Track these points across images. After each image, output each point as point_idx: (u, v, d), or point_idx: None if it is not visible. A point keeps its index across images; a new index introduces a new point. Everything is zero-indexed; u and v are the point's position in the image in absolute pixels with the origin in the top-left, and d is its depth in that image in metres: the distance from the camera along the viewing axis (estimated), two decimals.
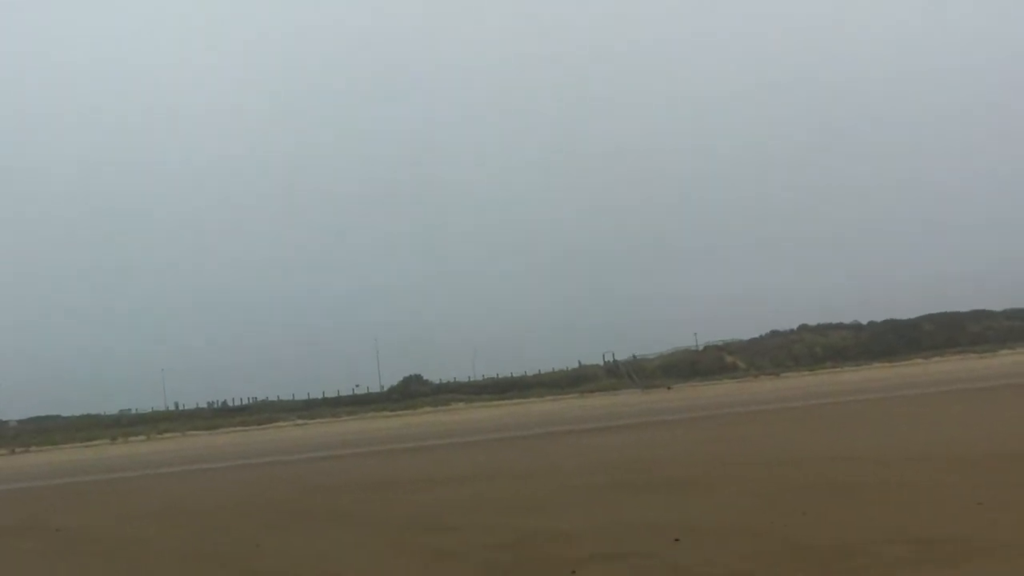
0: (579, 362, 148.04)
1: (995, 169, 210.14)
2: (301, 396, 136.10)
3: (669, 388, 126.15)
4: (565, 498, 21.20)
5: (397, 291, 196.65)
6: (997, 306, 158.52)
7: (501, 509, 20.53)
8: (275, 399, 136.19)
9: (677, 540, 13.96)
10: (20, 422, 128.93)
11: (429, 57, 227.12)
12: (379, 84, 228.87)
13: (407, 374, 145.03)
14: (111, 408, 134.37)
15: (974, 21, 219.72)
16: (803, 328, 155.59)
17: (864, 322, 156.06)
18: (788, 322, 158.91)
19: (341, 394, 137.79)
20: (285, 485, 34.90)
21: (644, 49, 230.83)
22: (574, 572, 12.79)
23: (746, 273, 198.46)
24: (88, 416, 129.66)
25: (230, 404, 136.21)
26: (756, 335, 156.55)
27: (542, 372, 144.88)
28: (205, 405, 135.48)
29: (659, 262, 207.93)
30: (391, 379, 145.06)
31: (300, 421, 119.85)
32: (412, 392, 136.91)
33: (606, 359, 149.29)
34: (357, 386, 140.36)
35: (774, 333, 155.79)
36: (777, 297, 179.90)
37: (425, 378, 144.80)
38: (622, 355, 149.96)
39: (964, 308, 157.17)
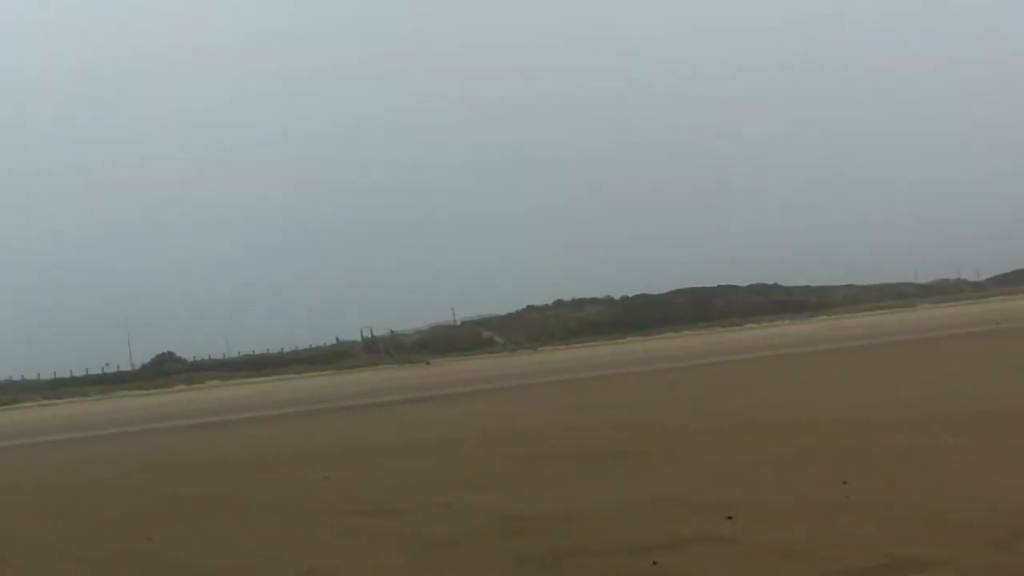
0: (336, 338, 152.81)
1: (741, 144, 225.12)
2: (46, 376, 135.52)
3: (428, 364, 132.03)
4: (506, 471, 19.33)
5: (146, 269, 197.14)
6: (742, 281, 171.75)
7: (444, 485, 18.00)
8: (18, 379, 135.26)
9: (730, 518, 12.10)
10: None
11: None
12: None
13: (159, 352, 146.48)
14: None
15: None
16: (559, 303, 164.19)
17: (617, 297, 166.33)
18: (545, 297, 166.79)
19: (90, 372, 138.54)
20: (131, 463, 30.96)
21: None
22: (656, 563, 10.58)
23: (503, 248, 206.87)
24: None
25: None
26: (513, 310, 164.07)
27: (299, 348, 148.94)
28: None
29: (415, 237, 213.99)
30: (142, 357, 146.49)
31: (46, 401, 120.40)
32: (165, 370, 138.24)
33: (364, 335, 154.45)
34: (107, 364, 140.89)
35: (530, 308, 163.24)
36: (534, 272, 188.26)
37: (178, 355, 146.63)
38: (380, 331, 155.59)
39: (713, 283, 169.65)
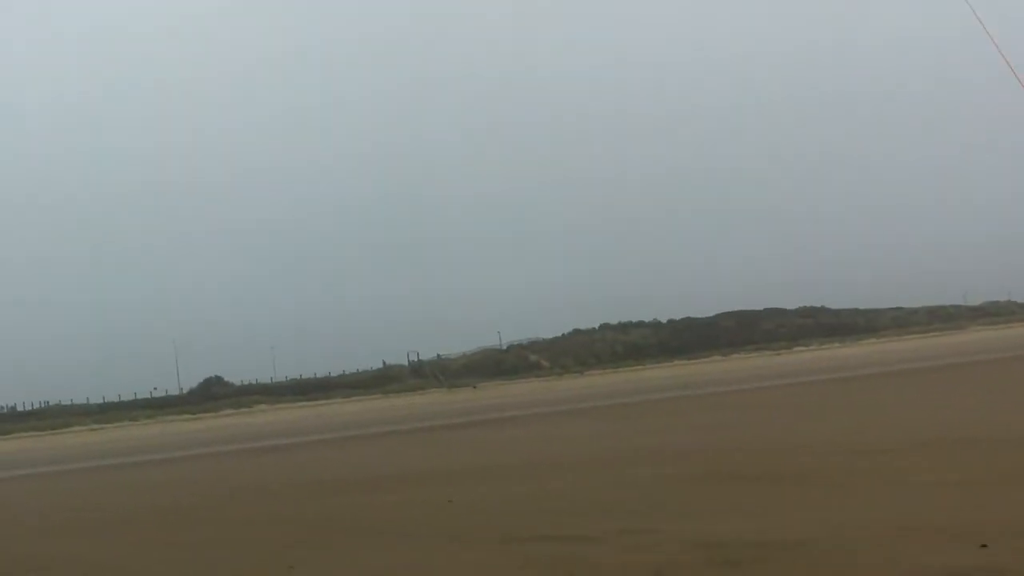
0: (383, 362, 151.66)
1: (790, 169, 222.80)
2: (96, 400, 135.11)
3: (475, 387, 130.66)
4: (679, 494, 17.21)
5: (195, 293, 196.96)
6: (790, 304, 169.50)
7: (619, 509, 15.97)
8: (68, 403, 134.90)
9: (984, 546, 10.59)
10: None
11: None
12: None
13: (206, 376, 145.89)
14: None
15: None
16: (605, 327, 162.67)
17: (663, 320, 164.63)
18: (590, 320, 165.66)
19: (138, 397, 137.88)
20: (227, 485, 29.54)
21: None
22: None
23: (548, 272, 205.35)
24: None
25: (19, 409, 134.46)
26: (559, 334, 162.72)
27: (346, 372, 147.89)
28: None
29: (461, 261, 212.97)
30: (190, 381, 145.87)
31: (96, 426, 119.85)
32: (213, 394, 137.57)
33: (410, 359, 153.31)
34: (155, 389, 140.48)
35: (577, 332, 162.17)
36: (579, 296, 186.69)
37: (226, 379, 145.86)
38: (426, 355, 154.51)
39: (759, 306, 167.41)
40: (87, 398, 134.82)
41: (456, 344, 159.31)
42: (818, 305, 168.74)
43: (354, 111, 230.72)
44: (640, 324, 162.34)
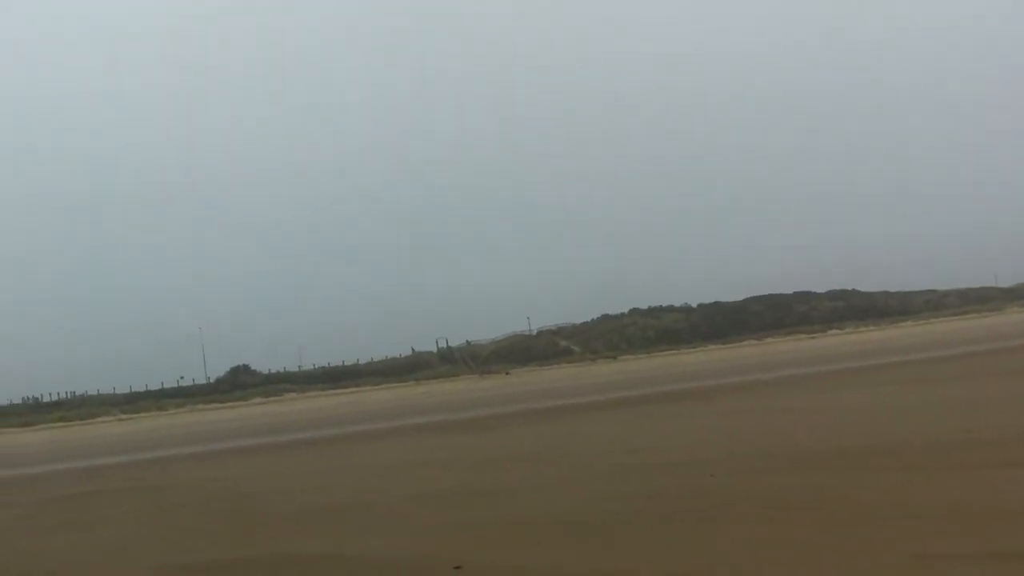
0: (412, 349, 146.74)
1: (819, 151, 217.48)
2: (123, 389, 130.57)
3: (507, 374, 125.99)
4: None
5: (219, 281, 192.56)
6: (820, 287, 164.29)
7: None
8: (94, 393, 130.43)
9: None
10: None
11: None
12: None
13: (233, 364, 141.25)
14: None
15: None
16: (634, 311, 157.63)
17: (693, 304, 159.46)
18: (619, 306, 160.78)
19: (165, 386, 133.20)
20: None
21: None
22: None
23: (576, 258, 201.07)
24: None
25: (43, 400, 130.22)
26: (588, 319, 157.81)
27: (374, 359, 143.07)
28: (19, 401, 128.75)
29: (486, 247, 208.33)
30: (216, 370, 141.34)
31: (123, 415, 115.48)
32: (241, 383, 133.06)
33: (439, 345, 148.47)
34: (182, 378, 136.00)
35: (606, 317, 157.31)
36: (606, 281, 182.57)
37: (253, 368, 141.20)
38: (455, 342, 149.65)
39: (788, 290, 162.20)
40: (114, 388, 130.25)
41: (485, 331, 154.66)
42: (849, 288, 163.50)
43: (379, 103, 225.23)
44: (670, 308, 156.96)
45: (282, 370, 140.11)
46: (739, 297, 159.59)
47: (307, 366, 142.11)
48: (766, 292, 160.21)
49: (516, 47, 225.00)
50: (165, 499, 21.39)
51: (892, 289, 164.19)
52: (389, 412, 59.18)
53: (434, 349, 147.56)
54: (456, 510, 15.19)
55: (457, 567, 10.84)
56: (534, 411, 41.21)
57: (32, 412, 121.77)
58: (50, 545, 16.28)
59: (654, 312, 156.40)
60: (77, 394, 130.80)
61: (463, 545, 12.08)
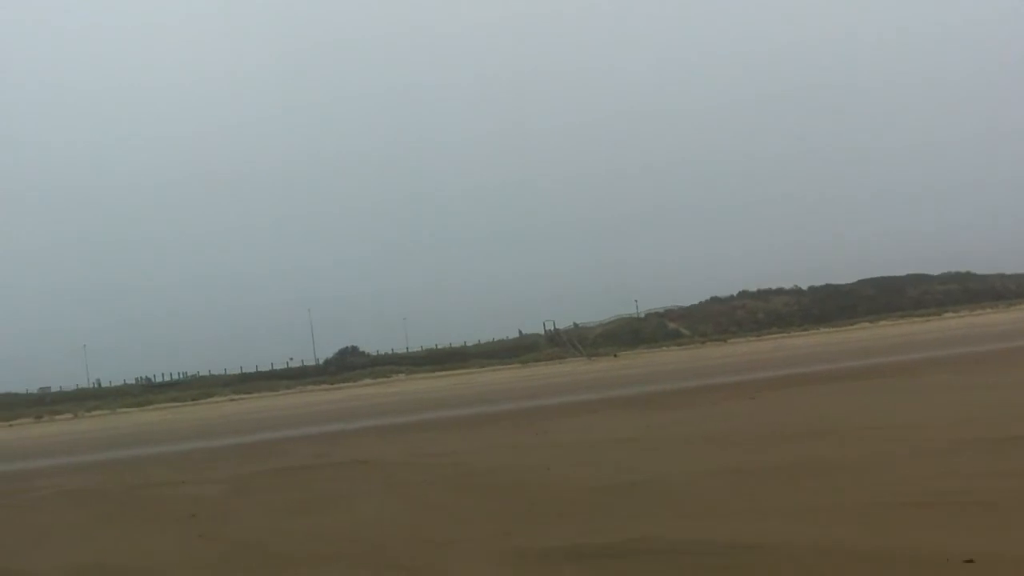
0: (519, 331, 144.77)
1: (931, 138, 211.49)
2: (233, 371, 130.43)
3: (615, 356, 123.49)
4: None
5: (327, 264, 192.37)
6: (933, 270, 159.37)
7: None
8: (206, 373, 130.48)
9: None
10: None
11: None
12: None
13: (341, 346, 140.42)
14: (26, 386, 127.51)
15: None
16: (743, 294, 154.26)
17: (804, 287, 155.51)
18: (727, 288, 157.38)
19: (275, 367, 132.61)
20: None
21: None
22: None
23: (683, 240, 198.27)
24: (9, 394, 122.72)
25: (155, 380, 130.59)
26: (696, 301, 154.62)
27: (481, 342, 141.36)
28: (132, 381, 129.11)
29: (594, 230, 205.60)
30: (324, 352, 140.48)
31: (236, 396, 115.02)
32: (349, 364, 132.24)
33: (547, 328, 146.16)
34: (291, 359, 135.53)
35: (715, 299, 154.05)
36: (715, 263, 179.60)
37: (361, 349, 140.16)
38: (562, 324, 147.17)
39: (900, 272, 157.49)
40: (225, 369, 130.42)
41: (592, 313, 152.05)
42: (963, 271, 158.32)
43: (491, 93, 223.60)
44: (780, 291, 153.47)
45: (389, 351, 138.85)
46: (851, 280, 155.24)
47: (413, 347, 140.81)
48: (878, 275, 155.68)
49: None
50: (395, 476, 19.17)
51: (1008, 272, 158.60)
52: (535, 390, 56.76)
53: (541, 332, 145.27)
54: (782, 488, 12.73)
55: (968, 560, 8.35)
56: (730, 384, 38.55)
57: (145, 392, 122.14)
58: (323, 523, 14.05)
59: (763, 295, 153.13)
60: (188, 375, 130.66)
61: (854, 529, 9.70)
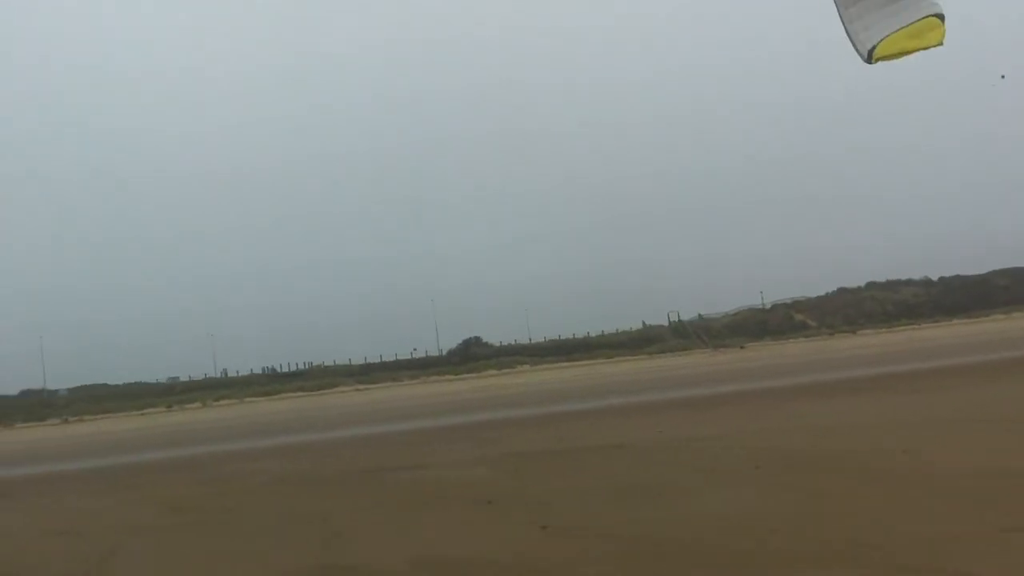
0: (643, 322, 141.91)
1: None
2: (357, 361, 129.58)
3: (742, 348, 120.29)
4: None
5: (449, 254, 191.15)
6: None
7: None
8: (330, 363, 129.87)
9: None
10: (70, 391, 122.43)
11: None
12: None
13: (463, 337, 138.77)
14: (156, 375, 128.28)
15: None
16: (872, 285, 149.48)
17: (933, 278, 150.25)
18: (854, 279, 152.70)
19: (399, 358, 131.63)
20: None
21: None
22: None
23: (809, 231, 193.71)
24: (138, 384, 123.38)
25: (280, 370, 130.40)
26: (823, 293, 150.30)
27: (605, 333, 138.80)
28: (259, 371, 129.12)
29: (717, 220, 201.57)
30: (447, 342, 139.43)
31: (360, 386, 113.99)
32: (473, 355, 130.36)
33: (671, 319, 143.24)
34: (415, 350, 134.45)
35: (842, 290, 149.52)
36: (842, 254, 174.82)
37: (484, 340, 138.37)
38: (687, 315, 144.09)
39: None
40: (349, 359, 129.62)
41: (716, 304, 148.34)
42: None
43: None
44: (909, 282, 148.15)
45: (513, 342, 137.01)
46: (983, 270, 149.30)
47: (537, 338, 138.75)
48: (1013, 265, 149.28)
49: None
50: (699, 460, 16.94)
51: None
52: (705, 377, 54.39)
53: (665, 323, 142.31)
54: None
55: None
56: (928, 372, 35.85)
57: (271, 382, 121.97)
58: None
59: (892, 285, 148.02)
60: (313, 364, 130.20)
61: None
